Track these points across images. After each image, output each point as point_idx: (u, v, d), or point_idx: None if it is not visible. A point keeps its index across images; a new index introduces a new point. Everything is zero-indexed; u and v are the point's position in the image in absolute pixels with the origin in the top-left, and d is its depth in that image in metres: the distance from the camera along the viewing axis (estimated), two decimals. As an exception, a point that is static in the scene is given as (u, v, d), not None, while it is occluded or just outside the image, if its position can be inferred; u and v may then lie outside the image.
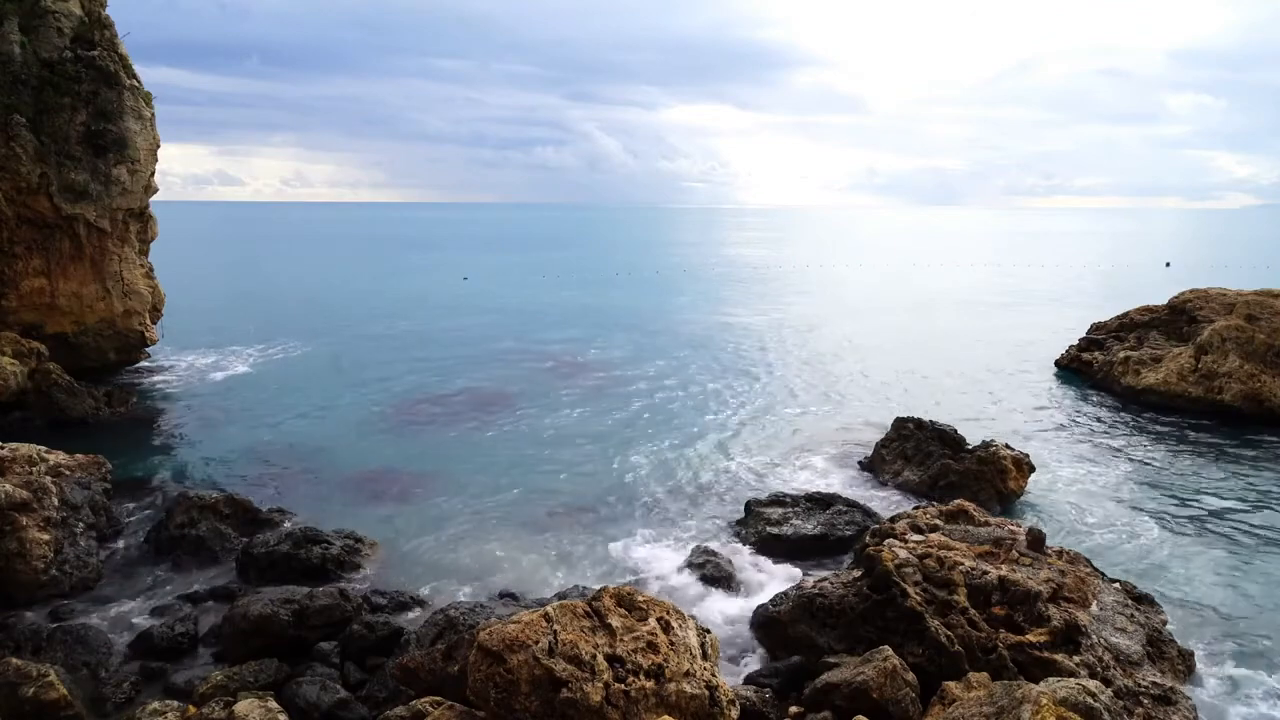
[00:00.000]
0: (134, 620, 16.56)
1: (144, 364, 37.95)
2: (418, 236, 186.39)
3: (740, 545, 20.29)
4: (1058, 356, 41.74)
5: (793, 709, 13.21)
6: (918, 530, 17.39)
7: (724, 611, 17.37)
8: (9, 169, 30.54)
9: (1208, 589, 18.19)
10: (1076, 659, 13.42)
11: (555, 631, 11.16)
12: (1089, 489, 24.36)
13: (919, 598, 14.25)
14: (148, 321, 36.03)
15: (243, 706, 12.11)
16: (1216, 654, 15.59)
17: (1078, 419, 32.08)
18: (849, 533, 19.95)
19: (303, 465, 25.89)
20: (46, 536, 17.42)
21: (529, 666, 10.75)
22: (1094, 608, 15.12)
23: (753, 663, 15.26)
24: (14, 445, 19.30)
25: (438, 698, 12.31)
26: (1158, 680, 13.60)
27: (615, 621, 11.66)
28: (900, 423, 26.31)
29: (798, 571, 18.86)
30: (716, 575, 18.09)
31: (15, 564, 16.80)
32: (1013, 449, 24.40)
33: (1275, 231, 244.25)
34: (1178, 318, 38.41)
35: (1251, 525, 21.69)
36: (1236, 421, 30.73)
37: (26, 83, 30.82)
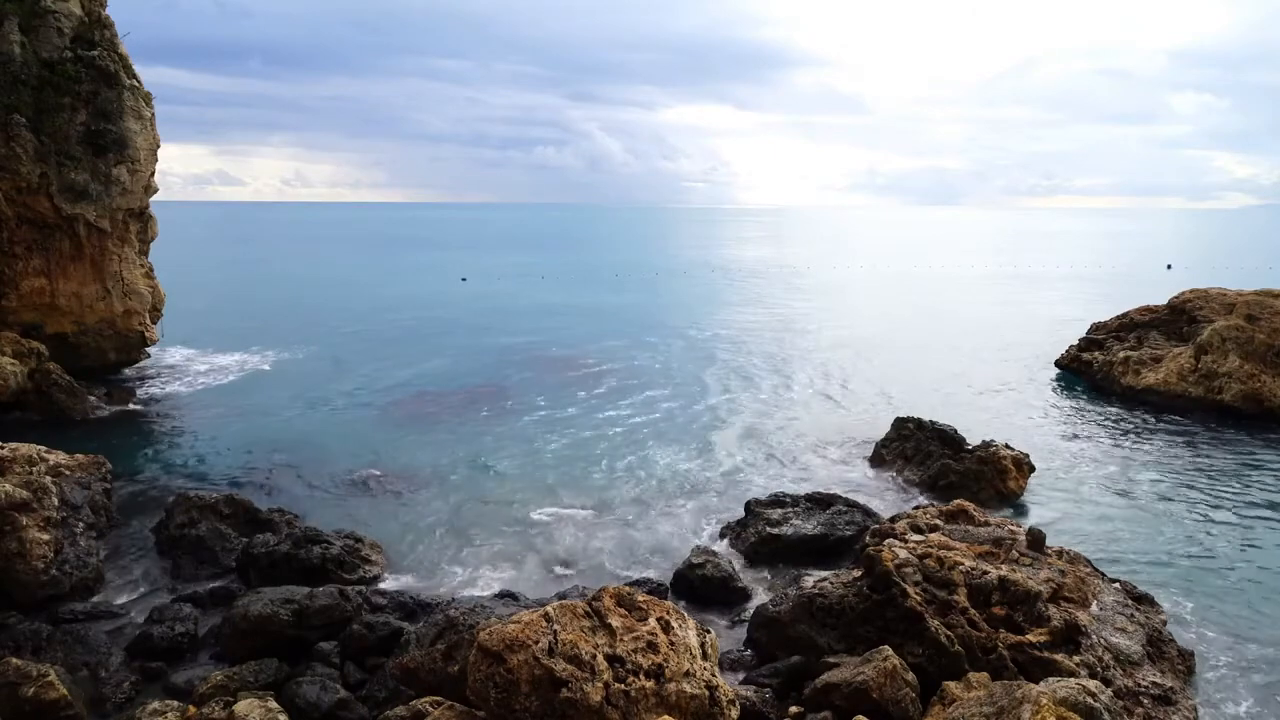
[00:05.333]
0: (134, 620, 16.56)
1: (144, 364, 37.93)
2: (418, 236, 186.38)
3: (740, 545, 20.29)
4: (1058, 356, 41.70)
5: (793, 709, 13.21)
6: (918, 530, 17.40)
7: (724, 611, 17.38)
8: (9, 169, 30.52)
9: (1208, 589, 18.18)
10: (1076, 659, 13.42)
11: (555, 631, 11.16)
12: (1089, 489, 24.36)
13: (919, 598, 14.25)
14: (148, 321, 36.01)
15: (243, 706, 12.10)
16: (1216, 654, 15.59)
17: (1078, 419, 32.08)
18: (849, 533, 19.95)
19: (303, 465, 25.89)
20: (46, 536, 17.41)
21: (529, 666, 10.75)
22: (1094, 608, 15.13)
23: (752, 663, 15.25)
24: (14, 445, 19.28)
25: (438, 698, 12.32)
26: (1158, 680, 13.60)
27: (615, 621, 11.66)
28: (900, 423, 26.32)
29: (798, 571, 18.87)
30: (716, 575, 18.07)
31: (15, 564, 16.79)
32: (1013, 449, 24.41)
33: (1275, 231, 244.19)
34: (1178, 318, 38.41)
35: (1252, 524, 21.69)
36: (1236, 421, 30.73)
37: (26, 83, 30.80)
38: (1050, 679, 11.11)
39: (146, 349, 37.49)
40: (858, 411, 32.91)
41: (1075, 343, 41.40)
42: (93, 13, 33.26)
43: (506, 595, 17.21)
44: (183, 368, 38.97)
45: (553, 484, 24.55)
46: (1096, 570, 16.93)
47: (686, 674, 11.31)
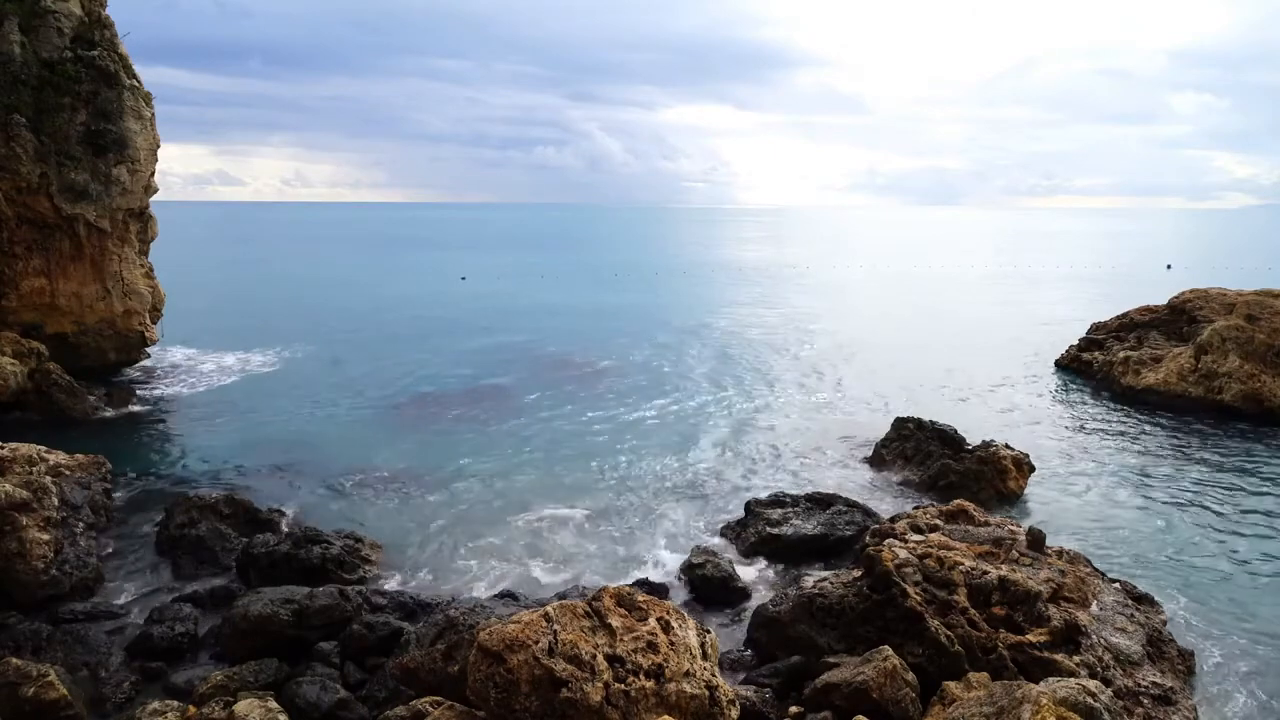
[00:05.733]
0: (134, 620, 16.56)
1: (144, 364, 37.95)
2: (418, 236, 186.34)
3: (740, 545, 20.30)
4: (1058, 356, 41.75)
5: (793, 709, 13.21)
6: (918, 530, 17.40)
7: (724, 611, 17.39)
8: (9, 169, 30.52)
9: (1208, 589, 18.19)
10: (1076, 659, 13.42)
11: (555, 631, 11.16)
12: (1089, 489, 24.36)
13: (919, 598, 14.25)
14: (148, 321, 36.01)
15: (243, 706, 12.11)
16: (1216, 654, 15.59)
17: (1078, 419, 32.08)
18: (849, 533, 19.95)
19: (303, 465, 25.89)
20: (46, 536, 17.41)
21: (529, 666, 10.75)
22: (1094, 608, 15.13)
23: (752, 663, 15.26)
24: (14, 445, 19.29)
25: (438, 698, 12.32)
26: (1158, 680, 13.61)
27: (615, 621, 11.66)
28: (900, 423, 26.31)
29: (798, 571, 18.87)
30: (716, 575, 18.09)
31: (15, 564, 16.79)
32: (1013, 449, 24.42)
33: (1275, 231, 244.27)
34: (1178, 318, 38.44)
35: (1251, 525, 21.69)
36: (1236, 421, 30.73)
37: (26, 83, 30.80)
38: (1050, 679, 11.11)
39: (146, 349, 37.49)
40: (858, 411, 32.91)
41: (1075, 343, 41.44)
42: (93, 13, 33.26)
43: (506, 595, 17.22)
44: (183, 368, 38.97)
45: (552, 484, 24.55)
46: (1096, 570, 16.93)
47: (686, 674, 11.31)
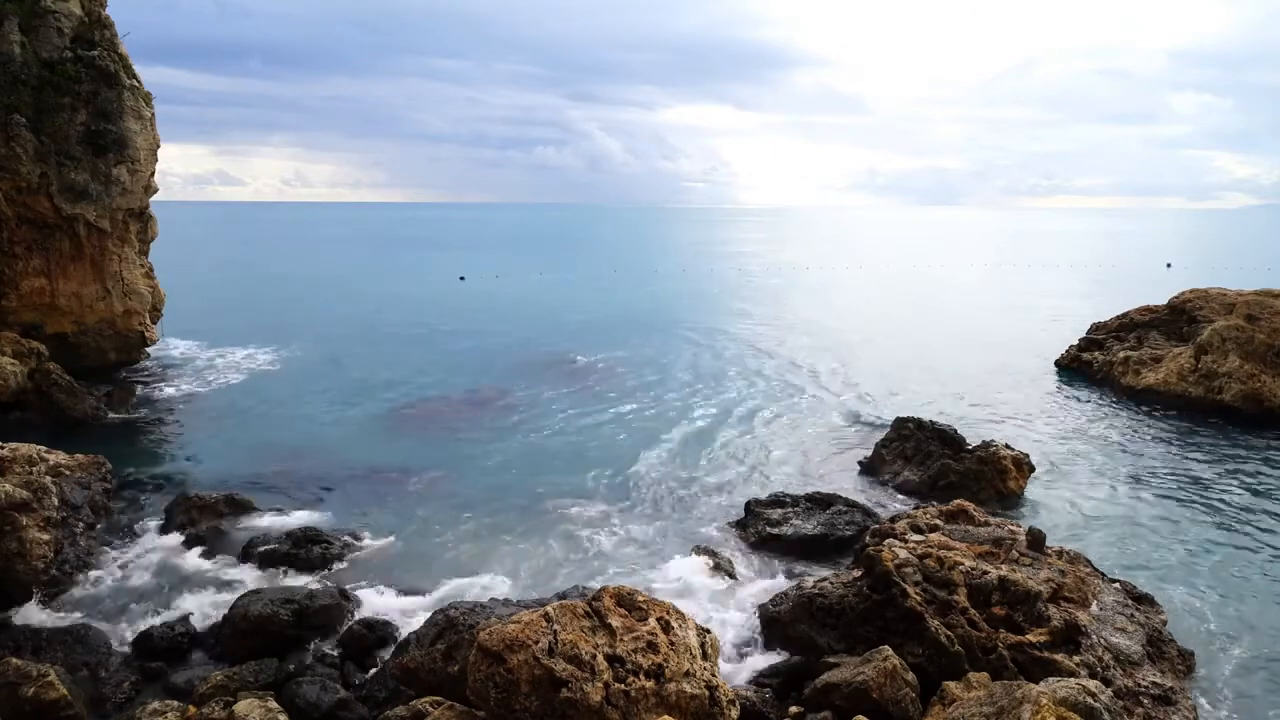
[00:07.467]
0: (134, 620, 16.56)
1: (144, 364, 37.95)
2: (418, 236, 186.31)
3: (740, 545, 20.30)
4: (1058, 356, 41.73)
5: (793, 709, 13.22)
6: (918, 530, 17.40)
7: (724, 612, 17.36)
8: (9, 169, 30.53)
9: (1208, 589, 18.19)
10: (1076, 659, 13.42)
11: (555, 631, 11.17)
12: (1089, 489, 24.36)
13: (919, 598, 14.25)
14: (148, 321, 36.02)
15: (243, 706, 12.11)
16: (1216, 654, 15.59)
17: (1078, 419, 32.07)
18: (849, 533, 19.95)
19: (304, 465, 25.89)
20: (46, 536, 17.41)
21: (529, 666, 10.75)
22: (1094, 608, 15.13)
23: (753, 663, 15.26)
24: (14, 445, 19.28)
25: (438, 698, 12.33)
26: (1158, 680, 13.61)
27: (615, 621, 11.67)
28: (900, 423, 26.30)
29: (798, 571, 18.87)
30: (716, 575, 18.08)
31: (15, 564, 16.78)
32: (1013, 449, 24.41)
33: (1275, 231, 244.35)
34: (1178, 318, 38.43)
35: (1251, 525, 21.69)
36: (1236, 421, 30.72)
37: (26, 83, 30.80)
38: (1050, 679, 11.11)
39: (146, 349, 37.52)
40: (858, 411, 32.89)
41: (1075, 343, 41.43)
42: (93, 13, 33.27)
43: (506, 595, 17.22)
44: (183, 368, 38.98)
45: (552, 484, 24.53)
46: (1096, 570, 16.94)
47: (686, 674, 11.32)
